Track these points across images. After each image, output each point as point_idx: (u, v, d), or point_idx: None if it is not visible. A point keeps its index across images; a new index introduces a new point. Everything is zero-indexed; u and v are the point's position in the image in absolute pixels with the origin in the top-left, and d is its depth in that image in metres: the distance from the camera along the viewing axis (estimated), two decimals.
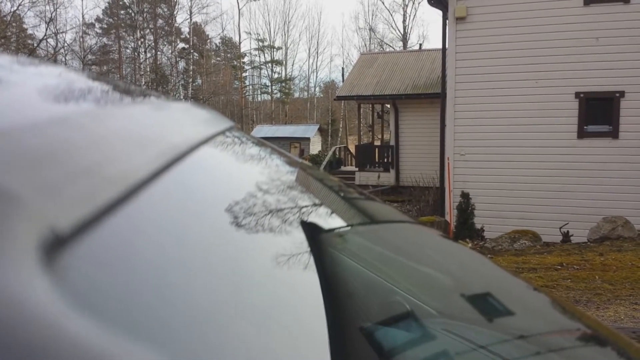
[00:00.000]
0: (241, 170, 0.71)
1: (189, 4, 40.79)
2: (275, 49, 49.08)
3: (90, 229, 0.28)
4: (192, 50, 42.16)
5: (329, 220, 0.73)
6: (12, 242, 0.22)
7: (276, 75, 49.42)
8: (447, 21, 9.66)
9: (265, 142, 0.99)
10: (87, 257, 0.27)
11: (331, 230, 0.69)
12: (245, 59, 49.86)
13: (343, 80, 22.01)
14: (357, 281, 0.64)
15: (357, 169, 17.06)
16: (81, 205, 0.29)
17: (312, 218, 0.66)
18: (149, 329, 0.25)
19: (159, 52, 41.84)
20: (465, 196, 8.71)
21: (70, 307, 0.22)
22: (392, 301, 0.61)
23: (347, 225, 0.78)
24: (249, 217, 0.51)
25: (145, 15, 39.55)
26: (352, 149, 20.66)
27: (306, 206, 0.70)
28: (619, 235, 7.35)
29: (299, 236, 0.56)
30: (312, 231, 0.60)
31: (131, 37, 41.52)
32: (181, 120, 0.65)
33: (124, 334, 0.23)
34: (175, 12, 41.23)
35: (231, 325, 0.32)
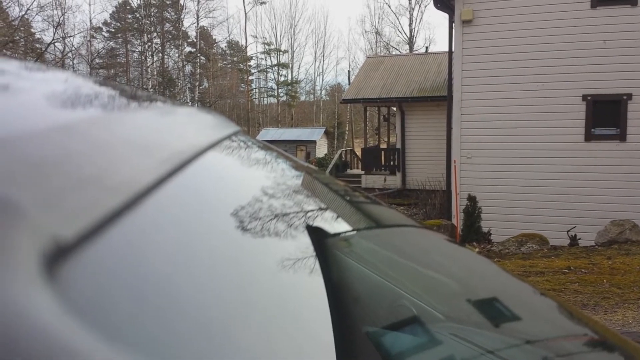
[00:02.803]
0: (247, 176, 0.71)
1: (196, 8, 40.96)
2: (281, 52, 49.17)
3: (93, 239, 0.28)
4: (198, 54, 42.30)
5: (334, 224, 0.73)
6: (12, 253, 0.22)
7: (282, 79, 49.52)
8: (453, 24, 9.65)
9: (271, 146, 0.99)
10: (90, 267, 0.27)
11: (337, 234, 0.69)
12: (252, 62, 50.01)
13: (349, 83, 22.01)
14: (364, 285, 0.64)
15: (363, 172, 17.05)
16: (84, 215, 0.28)
17: (318, 222, 0.66)
18: (154, 341, 0.25)
19: (165, 56, 42.02)
20: (472, 199, 8.68)
21: (73, 319, 0.22)
22: (398, 305, 0.61)
23: (353, 230, 0.78)
24: (256, 222, 0.51)
25: (152, 19, 39.72)
26: (359, 152, 20.66)
27: (312, 210, 0.70)
28: (626, 238, 7.30)
29: (305, 241, 0.56)
30: (318, 235, 0.60)
31: (138, 41, 41.72)
32: (187, 126, 0.65)
33: (129, 347, 0.23)
34: (182, 16, 41.42)
35: (238, 332, 0.32)
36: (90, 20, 41.76)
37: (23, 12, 27.51)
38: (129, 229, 0.32)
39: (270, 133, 31.38)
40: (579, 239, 7.99)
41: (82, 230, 0.27)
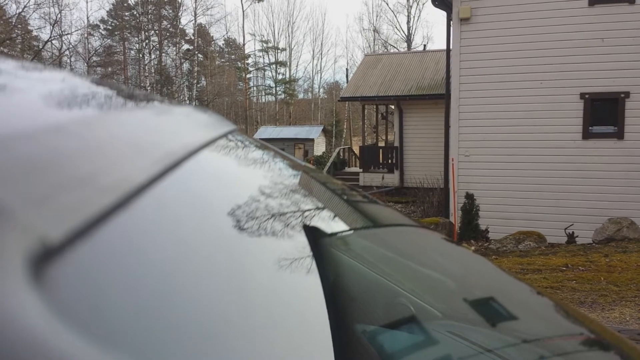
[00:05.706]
0: (242, 175, 0.71)
1: (194, 5, 40.89)
2: (279, 50, 49.13)
3: (83, 240, 0.27)
4: (196, 52, 42.24)
5: (332, 223, 0.73)
6: None
7: (280, 77, 49.45)
8: (451, 22, 9.64)
9: (267, 144, 0.99)
10: (79, 269, 0.26)
11: (334, 233, 0.68)
12: (249, 60, 49.93)
13: (347, 81, 22.00)
14: (361, 284, 0.64)
15: (361, 170, 17.06)
16: (73, 215, 0.28)
17: (315, 222, 0.66)
18: (144, 343, 0.25)
19: (163, 54, 41.94)
20: (469, 197, 8.69)
21: (61, 321, 0.21)
22: (396, 304, 0.61)
23: (350, 229, 0.78)
24: (251, 222, 0.51)
25: (149, 16, 39.63)
26: (357, 150, 20.69)
27: (309, 210, 0.69)
28: (624, 236, 7.32)
29: (303, 240, 0.56)
30: (316, 235, 0.60)
31: (136, 39, 41.63)
32: (181, 124, 0.64)
33: (119, 350, 0.22)
34: (179, 14, 41.33)
35: (235, 332, 0.31)
36: (88, 18, 41.74)
37: (20, 10, 27.47)
38: (120, 229, 0.32)
39: (268, 131, 31.37)
40: (577, 236, 8.01)
41: (72, 231, 0.27)
